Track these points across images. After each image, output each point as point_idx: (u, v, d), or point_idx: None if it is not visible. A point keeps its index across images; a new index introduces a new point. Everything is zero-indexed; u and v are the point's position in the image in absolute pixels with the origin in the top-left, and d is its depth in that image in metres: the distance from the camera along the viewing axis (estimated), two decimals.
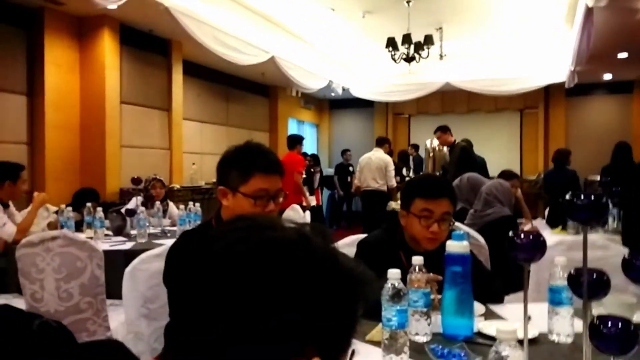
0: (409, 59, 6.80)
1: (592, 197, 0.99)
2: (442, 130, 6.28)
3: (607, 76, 9.43)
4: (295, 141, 6.89)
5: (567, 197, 1.03)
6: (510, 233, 1.12)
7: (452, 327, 1.47)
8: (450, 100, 10.97)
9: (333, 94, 10.80)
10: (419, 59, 6.81)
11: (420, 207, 1.76)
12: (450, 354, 1.27)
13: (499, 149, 10.32)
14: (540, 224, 4.67)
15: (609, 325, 0.95)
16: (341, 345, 0.54)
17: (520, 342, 0.95)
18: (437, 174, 6.81)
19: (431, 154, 8.51)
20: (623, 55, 7.57)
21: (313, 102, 12.19)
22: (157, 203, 4.20)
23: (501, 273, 1.99)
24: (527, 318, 1.19)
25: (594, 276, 1.09)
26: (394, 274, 1.31)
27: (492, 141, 10.35)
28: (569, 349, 1.39)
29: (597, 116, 10.29)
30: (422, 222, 1.75)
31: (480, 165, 5.85)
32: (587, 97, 10.24)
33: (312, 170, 8.65)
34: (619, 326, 0.94)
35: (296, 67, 8.05)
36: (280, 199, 1.61)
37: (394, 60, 6.87)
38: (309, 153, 9.51)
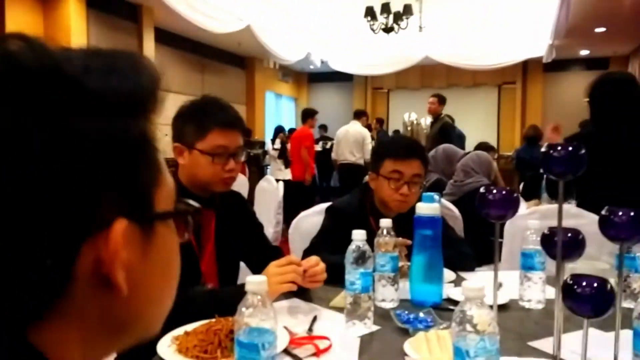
0: (387, 30, 6.66)
1: (570, 148, 0.91)
2: (440, 99, 6.06)
3: (584, 52, 9.45)
4: (307, 115, 6.85)
5: (543, 149, 0.96)
6: (482, 189, 1.04)
7: (421, 293, 1.40)
8: (429, 75, 10.88)
9: (312, 67, 10.61)
10: (398, 30, 6.68)
11: (390, 169, 1.68)
12: (416, 319, 1.20)
13: (477, 125, 10.30)
14: None
15: (584, 284, 0.88)
16: (148, 174, 0.40)
17: (490, 306, 0.88)
18: None
19: (409, 128, 8.44)
20: (600, 29, 7.55)
21: (291, 75, 11.97)
22: None
23: (476, 244, 1.93)
24: (497, 282, 1.12)
25: (569, 235, 1.02)
26: (358, 235, 1.22)
27: (470, 117, 10.32)
28: (540, 314, 1.34)
29: (573, 92, 10.30)
30: (392, 184, 1.67)
31: (458, 144, 5.75)
32: (563, 73, 10.27)
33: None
34: (594, 286, 0.88)
35: (273, 37, 7.83)
36: (242, 157, 1.50)
37: (373, 30, 6.72)
38: (288, 128, 9.34)
